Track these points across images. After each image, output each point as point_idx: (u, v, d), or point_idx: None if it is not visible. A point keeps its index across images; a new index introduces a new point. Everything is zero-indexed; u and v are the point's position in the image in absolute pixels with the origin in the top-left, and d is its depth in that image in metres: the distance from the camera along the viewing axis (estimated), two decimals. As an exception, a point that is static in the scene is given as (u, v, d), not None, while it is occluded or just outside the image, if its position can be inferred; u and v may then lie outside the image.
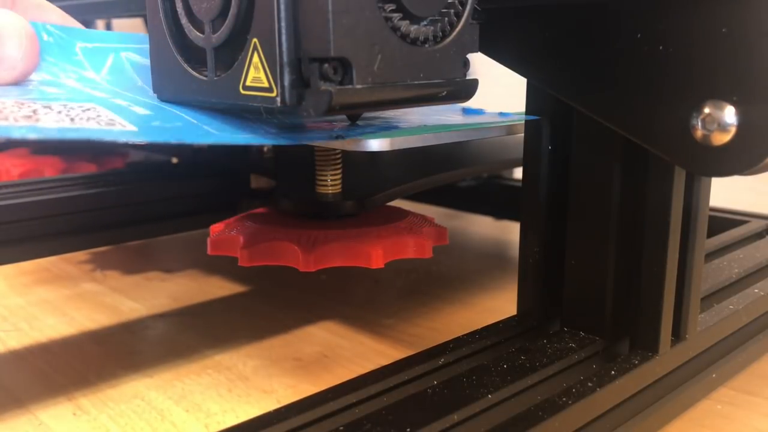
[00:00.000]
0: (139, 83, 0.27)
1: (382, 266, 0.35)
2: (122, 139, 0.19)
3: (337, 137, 0.24)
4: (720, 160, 0.22)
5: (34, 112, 0.20)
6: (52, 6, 0.28)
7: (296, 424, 0.23)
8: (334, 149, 0.38)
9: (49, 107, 0.20)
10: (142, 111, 0.23)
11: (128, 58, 0.28)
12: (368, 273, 0.47)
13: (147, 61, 0.26)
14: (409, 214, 0.40)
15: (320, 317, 0.42)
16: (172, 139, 0.20)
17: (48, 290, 0.48)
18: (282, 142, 0.23)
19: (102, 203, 0.48)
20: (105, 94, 0.24)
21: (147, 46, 0.25)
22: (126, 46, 0.28)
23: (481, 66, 0.27)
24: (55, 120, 0.19)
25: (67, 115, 0.20)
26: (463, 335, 0.30)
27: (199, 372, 0.35)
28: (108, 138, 0.19)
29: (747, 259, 0.40)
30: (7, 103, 0.20)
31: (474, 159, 0.48)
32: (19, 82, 0.24)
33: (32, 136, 0.18)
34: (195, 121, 0.23)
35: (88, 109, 0.21)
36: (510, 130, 0.33)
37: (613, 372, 0.27)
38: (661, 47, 0.23)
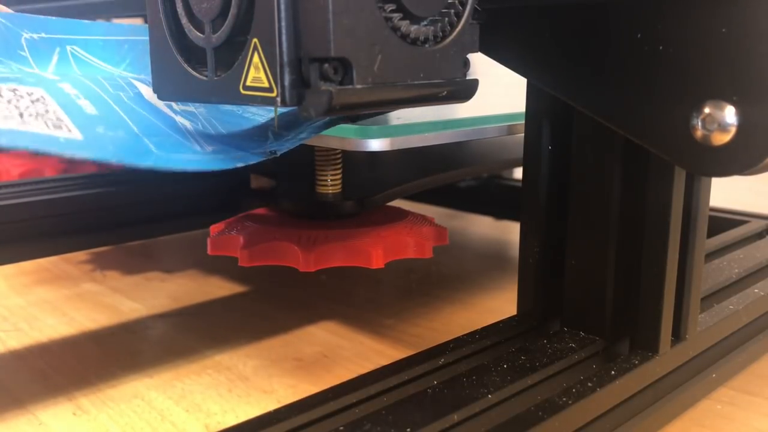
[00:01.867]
0: (87, 83, 0.26)
1: (382, 266, 0.35)
2: (67, 153, 0.19)
3: (271, 153, 0.24)
4: (720, 160, 0.22)
5: None
6: None
7: (296, 424, 0.23)
8: (334, 149, 0.38)
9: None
10: (89, 109, 0.22)
11: (74, 53, 0.27)
12: (368, 273, 0.48)
13: (92, 58, 0.25)
14: (409, 214, 0.40)
15: (320, 317, 0.42)
16: (112, 158, 0.20)
17: (48, 290, 0.48)
18: (214, 166, 0.23)
19: (102, 203, 0.48)
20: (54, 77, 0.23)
21: (93, 37, 0.24)
22: (72, 38, 0.27)
23: (481, 66, 0.27)
24: (3, 115, 0.19)
25: (16, 107, 0.19)
26: (463, 335, 0.30)
27: (199, 372, 0.35)
28: (53, 150, 0.19)
29: (747, 259, 0.40)
30: None
31: (474, 159, 0.48)
32: None
33: None
34: (137, 132, 0.22)
35: (37, 100, 0.20)
36: (510, 130, 0.33)
37: (613, 372, 0.27)
38: (661, 47, 0.23)
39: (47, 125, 0.19)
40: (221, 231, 0.39)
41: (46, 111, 0.20)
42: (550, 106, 0.29)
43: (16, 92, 0.20)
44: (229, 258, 0.37)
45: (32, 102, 0.20)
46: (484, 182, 0.62)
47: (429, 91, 0.22)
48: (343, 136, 0.29)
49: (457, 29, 0.22)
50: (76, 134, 0.20)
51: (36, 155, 0.20)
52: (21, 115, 0.19)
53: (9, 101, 0.19)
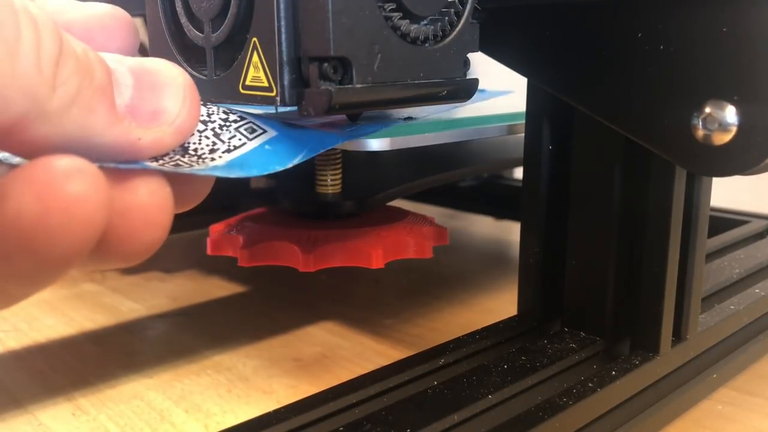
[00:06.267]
0: None
1: (382, 266, 0.35)
2: (279, 163, 0.19)
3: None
4: (721, 160, 0.22)
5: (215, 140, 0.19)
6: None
7: (296, 425, 0.23)
8: (335, 149, 0.38)
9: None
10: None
11: None
12: (368, 273, 0.47)
13: None
14: (409, 214, 0.40)
15: (320, 317, 0.42)
16: (316, 148, 0.20)
17: (47, 290, 0.47)
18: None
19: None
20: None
21: None
22: None
23: (479, 65, 0.27)
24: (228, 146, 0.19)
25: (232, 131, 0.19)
26: (463, 335, 0.30)
27: (198, 372, 0.35)
28: (273, 167, 0.19)
29: (748, 259, 0.39)
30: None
31: (474, 159, 0.48)
32: (182, 143, 0.18)
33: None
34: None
35: (225, 112, 0.20)
36: (510, 130, 0.33)
37: (613, 372, 0.27)
38: (662, 47, 0.23)
39: (247, 135, 0.19)
40: (221, 231, 0.39)
41: (241, 117, 0.20)
42: (550, 106, 0.29)
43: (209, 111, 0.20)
44: (228, 258, 0.37)
45: (227, 120, 0.20)
46: (484, 182, 0.62)
47: (429, 91, 0.22)
48: (343, 136, 0.29)
49: (457, 28, 0.22)
50: (270, 131, 0.20)
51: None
52: (235, 137, 0.19)
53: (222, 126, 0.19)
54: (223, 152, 0.18)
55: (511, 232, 0.62)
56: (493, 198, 0.61)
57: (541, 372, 0.27)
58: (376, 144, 0.28)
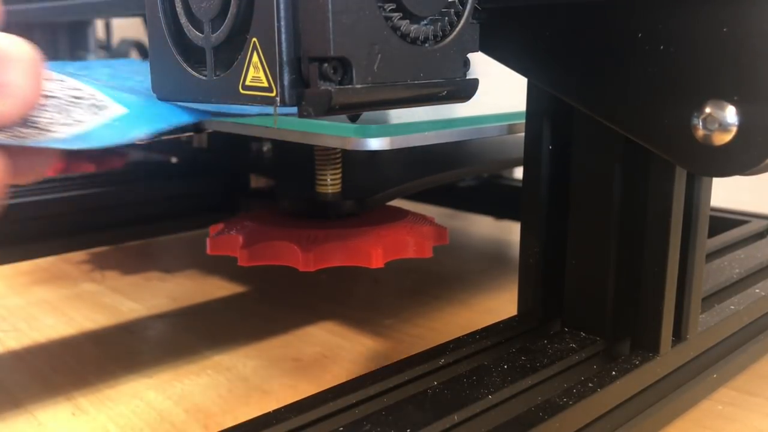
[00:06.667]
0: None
1: (382, 266, 0.35)
2: (126, 136, 0.20)
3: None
4: (721, 160, 0.22)
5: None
6: None
7: (296, 425, 0.23)
8: (334, 148, 0.38)
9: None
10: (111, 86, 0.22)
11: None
12: (368, 273, 0.47)
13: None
14: (409, 213, 0.40)
15: (320, 317, 0.42)
16: (165, 123, 0.21)
17: (47, 290, 0.48)
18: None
19: (102, 203, 0.48)
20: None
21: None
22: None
23: (479, 66, 0.27)
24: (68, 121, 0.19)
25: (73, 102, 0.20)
26: (463, 336, 0.30)
27: (198, 372, 0.35)
28: (119, 140, 0.19)
29: (748, 259, 0.39)
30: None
31: (474, 159, 0.48)
32: (24, 116, 0.19)
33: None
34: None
35: (77, 89, 0.21)
36: (510, 130, 0.33)
37: (613, 372, 0.27)
38: (662, 47, 0.23)
39: (96, 112, 0.20)
40: (221, 231, 0.39)
41: (92, 95, 0.20)
42: (550, 106, 0.29)
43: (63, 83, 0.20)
44: (228, 258, 0.37)
45: (75, 97, 0.20)
46: (484, 182, 0.62)
47: (429, 91, 0.22)
48: (343, 135, 0.29)
49: (458, 29, 0.22)
50: (120, 109, 0.21)
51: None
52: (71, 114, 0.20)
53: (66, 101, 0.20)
54: (66, 125, 0.19)
55: (511, 232, 0.62)
56: (493, 198, 0.61)
57: (541, 372, 0.27)
58: (376, 144, 0.28)
